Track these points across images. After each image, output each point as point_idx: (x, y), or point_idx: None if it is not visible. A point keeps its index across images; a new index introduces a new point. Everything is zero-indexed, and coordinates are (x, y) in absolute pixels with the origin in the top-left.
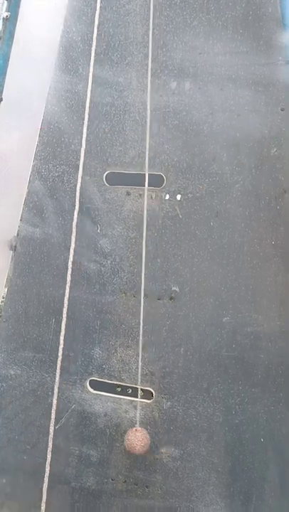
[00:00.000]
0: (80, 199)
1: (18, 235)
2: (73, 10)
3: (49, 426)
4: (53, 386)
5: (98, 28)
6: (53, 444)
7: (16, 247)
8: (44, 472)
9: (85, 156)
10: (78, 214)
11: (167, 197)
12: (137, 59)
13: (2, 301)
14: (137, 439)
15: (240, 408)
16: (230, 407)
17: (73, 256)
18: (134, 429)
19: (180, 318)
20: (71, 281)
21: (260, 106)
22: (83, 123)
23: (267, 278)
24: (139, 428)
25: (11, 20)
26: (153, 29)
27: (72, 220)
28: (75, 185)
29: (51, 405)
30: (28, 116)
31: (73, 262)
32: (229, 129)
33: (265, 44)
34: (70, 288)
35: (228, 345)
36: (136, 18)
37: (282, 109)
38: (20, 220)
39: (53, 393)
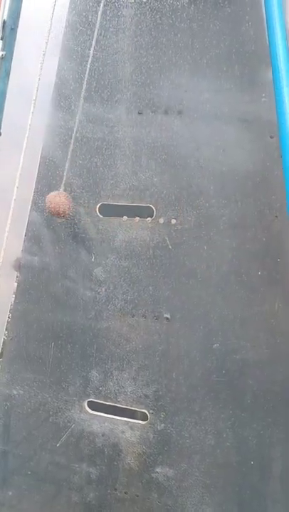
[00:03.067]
0: (75, 229)
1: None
2: (65, 48)
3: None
4: (54, 406)
5: (88, 66)
6: (54, 461)
7: (20, 267)
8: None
9: (78, 188)
10: (73, 244)
11: (161, 221)
12: (125, 96)
13: (8, 319)
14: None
15: (230, 431)
16: (221, 430)
17: (69, 283)
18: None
19: (172, 344)
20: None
21: (244, 141)
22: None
23: (254, 307)
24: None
25: (6, 59)
26: (140, 67)
27: (67, 250)
28: (70, 216)
29: (52, 424)
30: (26, 151)
31: (70, 289)
32: (215, 163)
33: (249, 81)
34: (69, 313)
35: (218, 370)
36: (124, 57)
37: (271, 137)
38: (22, 249)
39: (54, 413)
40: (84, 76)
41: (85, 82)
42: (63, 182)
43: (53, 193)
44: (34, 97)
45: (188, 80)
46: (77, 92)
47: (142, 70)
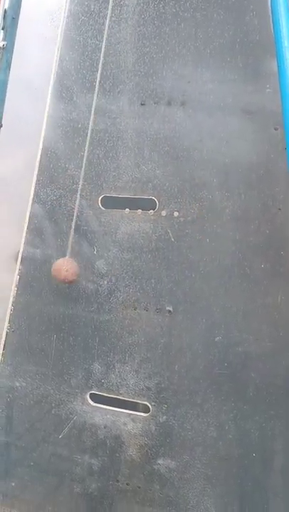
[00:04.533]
0: (77, 222)
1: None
2: (66, 39)
3: (52, 435)
4: (56, 398)
5: (90, 56)
6: (57, 453)
7: (22, 259)
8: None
9: (80, 180)
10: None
11: (164, 213)
12: (128, 87)
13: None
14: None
15: (232, 424)
16: (223, 422)
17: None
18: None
19: (174, 336)
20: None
21: (248, 133)
22: (78, 149)
23: (257, 300)
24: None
25: (7, 50)
26: (143, 58)
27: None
28: (72, 209)
29: (54, 416)
30: (27, 142)
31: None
32: (218, 155)
33: (253, 72)
34: (71, 306)
35: (221, 363)
36: (126, 47)
37: (275, 129)
38: (24, 242)
39: (56, 405)
40: (85, 66)
41: (98, 75)
42: (69, 250)
43: (59, 262)
44: (35, 88)
45: (191, 71)
46: (79, 82)
47: (145, 60)
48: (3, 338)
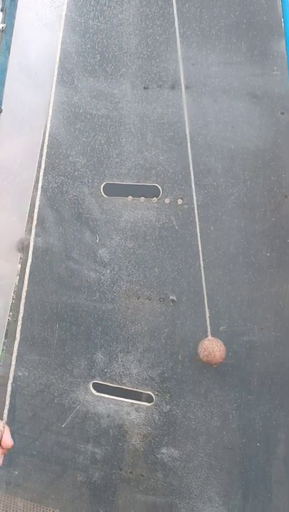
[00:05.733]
0: (79, 209)
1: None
2: (67, 21)
3: (55, 424)
4: (59, 387)
5: (92, 39)
6: (60, 442)
7: (23, 248)
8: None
9: (82, 167)
10: (77, 224)
11: (168, 201)
12: (130, 70)
13: (13, 300)
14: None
15: (236, 414)
16: (227, 412)
17: (74, 264)
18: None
19: (178, 326)
20: (72, 288)
21: (254, 117)
22: (80, 134)
23: (262, 289)
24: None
25: (7, 32)
26: (146, 39)
27: (71, 229)
28: (74, 196)
29: (57, 405)
30: (28, 128)
31: (74, 271)
32: (223, 140)
33: (260, 54)
34: (73, 295)
35: (225, 353)
36: (129, 28)
37: (282, 113)
38: (25, 230)
39: (59, 394)
40: (86, 49)
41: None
42: (209, 330)
43: (207, 346)
44: (35, 72)
45: (196, 53)
46: (80, 65)
47: (148, 42)
48: (5, 327)
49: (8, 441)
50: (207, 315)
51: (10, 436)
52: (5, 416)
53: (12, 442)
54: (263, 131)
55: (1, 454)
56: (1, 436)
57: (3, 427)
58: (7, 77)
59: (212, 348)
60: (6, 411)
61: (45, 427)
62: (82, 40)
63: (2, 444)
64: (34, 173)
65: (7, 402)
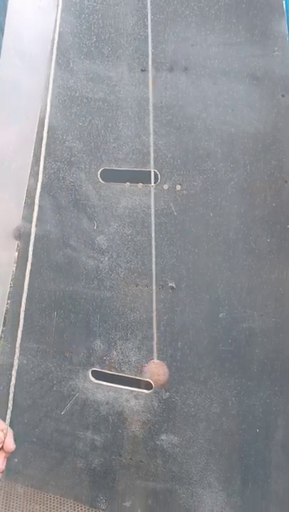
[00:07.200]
0: (76, 196)
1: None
2: (62, 0)
3: (54, 411)
4: (58, 375)
5: (87, 19)
6: (59, 429)
7: (20, 235)
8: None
9: (79, 152)
10: (75, 211)
11: (166, 186)
12: (127, 52)
13: (10, 288)
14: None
15: (236, 400)
16: (226, 398)
17: (71, 252)
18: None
19: (177, 313)
20: (70, 276)
21: (254, 100)
22: (76, 119)
23: (262, 275)
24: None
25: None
26: (143, 20)
27: (68, 216)
28: (71, 182)
29: (56, 392)
30: (22, 113)
31: (72, 258)
32: (223, 124)
33: (261, 34)
34: (71, 282)
35: (225, 340)
36: (125, 9)
37: (282, 95)
38: (22, 217)
39: (58, 381)
40: (82, 30)
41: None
42: (155, 354)
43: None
44: (30, 55)
45: (194, 33)
46: (75, 47)
47: (146, 23)
48: (3, 316)
49: (10, 444)
50: (155, 340)
51: (12, 440)
52: (8, 418)
53: (14, 446)
54: (264, 114)
55: (4, 458)
56: (4, 440)
57: (6, 430)
58: (1, 60)
59: (158, 371)
60: (8, 413)
61: (44, 414)
62: (78, 21)
63: (4, 447)
64: (30, 160)
65: (9, 404)
